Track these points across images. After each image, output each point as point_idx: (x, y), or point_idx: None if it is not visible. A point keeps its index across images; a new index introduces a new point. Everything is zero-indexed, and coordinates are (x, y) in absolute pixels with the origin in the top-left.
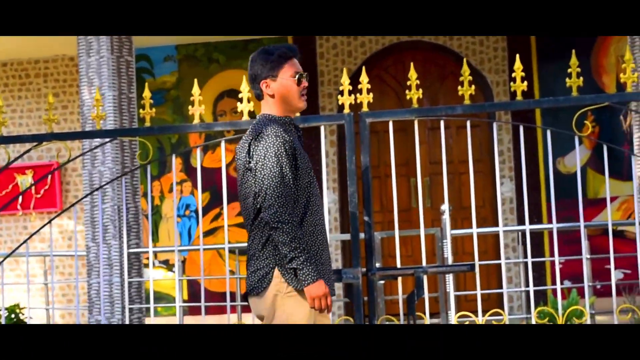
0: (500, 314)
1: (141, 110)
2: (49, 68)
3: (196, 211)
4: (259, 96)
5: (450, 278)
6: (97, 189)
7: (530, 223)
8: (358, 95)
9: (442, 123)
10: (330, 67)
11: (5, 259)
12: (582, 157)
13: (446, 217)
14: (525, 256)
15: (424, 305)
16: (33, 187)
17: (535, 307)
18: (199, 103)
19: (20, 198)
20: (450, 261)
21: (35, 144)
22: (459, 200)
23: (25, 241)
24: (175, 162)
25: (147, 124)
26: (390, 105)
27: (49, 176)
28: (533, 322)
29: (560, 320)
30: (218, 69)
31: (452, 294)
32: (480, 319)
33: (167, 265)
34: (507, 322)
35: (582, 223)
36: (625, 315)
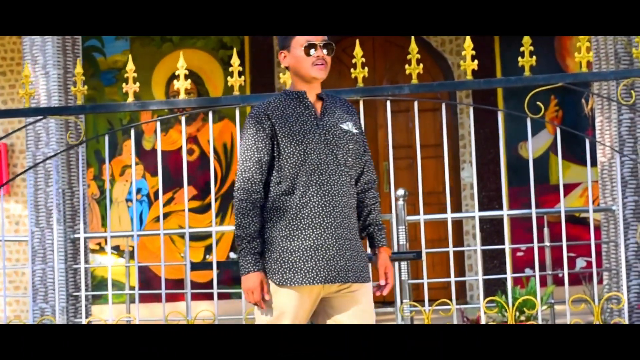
0: (448, 304)
1: (72, 88)
2: (3, 45)
3: (148, 195)
4: (287, 68)
5: (404, 266)
6: (29, 168)
7: (492, 209)
8: None
9: (388, 103)
10: None
11: None
12: (545, 141)
13: (401, 203)
14: (483, 244)
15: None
16: None
17: (494, 295)
18: (133, 80)
19: None
20: (405, 248)
21: None
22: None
23: None
24: (127, 144)
25: (79, 102)
26: (348, 87)
27: None
28: (482, 312)
29: (511, 311)
30: (171, 48)
31: (405, 283)
32: (427, 309)
33: (118, 251)
34: (454, 312)
35: (533, 210)
36: (578, 306)
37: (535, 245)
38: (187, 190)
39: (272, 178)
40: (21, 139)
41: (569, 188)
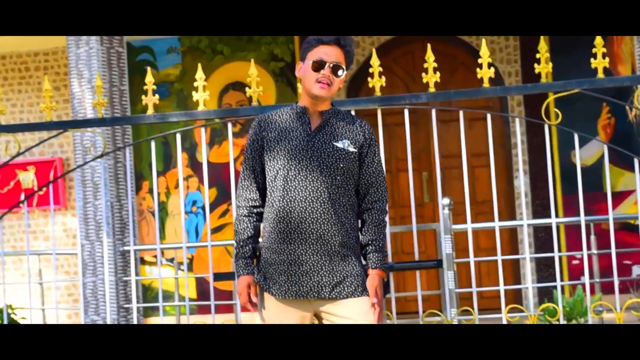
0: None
1: (143, 96)
2: (48, 61)
3: (203, 207)
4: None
5: (451, 275)
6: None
7: (546, 217)
8: (370, 79)
9: (406, 112)
10: None
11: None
12: (598, 149)
13: (446, 212)
14: (537, 252)
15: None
16: (35, 184)
17: (543, 303)
18: (204, 89)
19: (22, 195)
20: (452, 257)
21: None
22: (474, 194)
23: None
24: (181, 157)
25: (150, 111)
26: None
27: (52, 172)
28: (529, 322)
29: (560, 319)
30: (222, 60)
31: (447, 291)
32: (477, 318)
33: (174, 263)
34: (476, 322)
35: (582, 217)
36: (635, 312)
37: (585, 252)
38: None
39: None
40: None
41: (623, 195)
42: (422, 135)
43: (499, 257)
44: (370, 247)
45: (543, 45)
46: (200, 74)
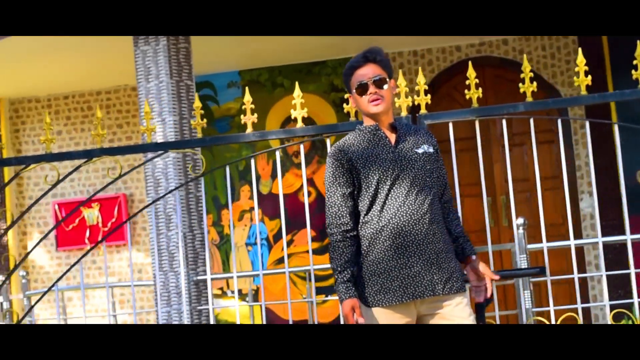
0: None
1: (192, 122)
2: (110, 99)
3: (267, 239)
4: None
5: (527, 294)
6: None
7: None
8: (415, 97)
9: (504, 122)
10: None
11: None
12: None
13: (521, 232)
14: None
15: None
16: (100, 221)
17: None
18: (251, 112)
19: (87, 232)
20: (528, 278)
21: (84, 160)
22: (539, 217)
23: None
24: (244, 189)
25: (249, 130)
26: (461, 123)
27: (116, 209)
28: None
29: None
30: (283, 93)
31: (523, 309)
32: None
33: (241, 294)
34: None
35: (628, 236)
36: None
37: (633, 271)
38: (309, 227)
39: (359, 209)
40: (140, 188)
41: None
42: (486, 160)
43: (575, 275)
44: (463, 238)
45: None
46: (247, 97)
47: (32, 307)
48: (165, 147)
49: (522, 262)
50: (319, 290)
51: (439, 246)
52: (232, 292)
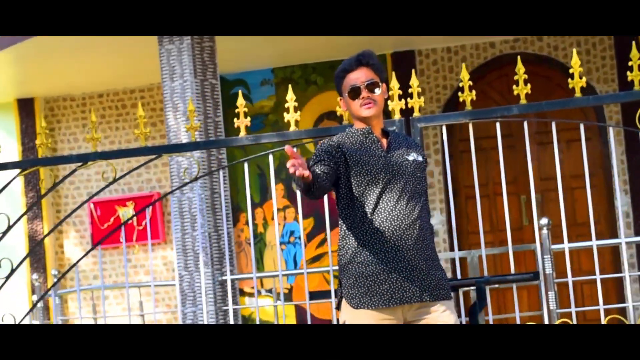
0: None
1: (235, 120)
2: (144, 97)
3: (300, 238)
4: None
5: (552, 295)
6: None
7: None
8: (409, 99)
9: (497, 125)
10: (432, 84)
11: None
12: None
13: (545, 232)
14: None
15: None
16: (135, 220)
17: None
18: (294, 109)
19: (123, 231)
20: (552, 278)
21: (80, 164)
22: (573, 216)
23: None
24: (277, 188)
25: (242, 133)
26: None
27: (150, 207)
28: None
29: None
30: (316, 91)
31: (545, 311)
32: None
33: (273, 293)
34: None
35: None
36: None
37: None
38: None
39: (344, 209)
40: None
41: None
42: (520, 158)
43: (598, 276)
44: None
45: (635, 53)
46: (290, 95)
47: (34, 306)
48: (157, 150)
49: (546, 263)
50: None
51: (427, 253)
52: (266, 291)
